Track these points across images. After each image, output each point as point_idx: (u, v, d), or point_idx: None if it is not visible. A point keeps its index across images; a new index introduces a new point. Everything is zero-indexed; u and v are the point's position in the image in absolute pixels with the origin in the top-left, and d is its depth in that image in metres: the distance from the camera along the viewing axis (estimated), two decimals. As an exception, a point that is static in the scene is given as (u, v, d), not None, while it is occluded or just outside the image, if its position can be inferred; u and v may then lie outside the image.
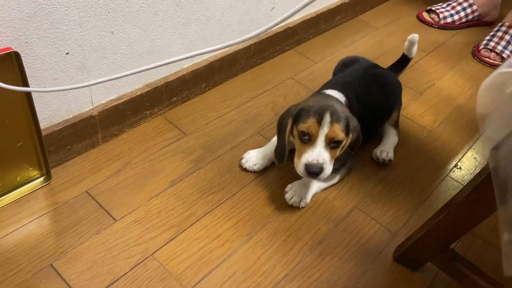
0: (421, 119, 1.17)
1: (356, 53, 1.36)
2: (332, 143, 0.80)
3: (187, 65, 1.06)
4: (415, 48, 1.10)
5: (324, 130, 0.79)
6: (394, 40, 1.46)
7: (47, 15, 0.71)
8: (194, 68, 1.07)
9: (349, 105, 0.91)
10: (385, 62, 1.20)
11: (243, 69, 1.22)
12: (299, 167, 0.81)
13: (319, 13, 1.38)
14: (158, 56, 0.96)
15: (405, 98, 1.22)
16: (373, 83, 1.01)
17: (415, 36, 1.07)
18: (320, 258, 0.82)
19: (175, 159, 0.95)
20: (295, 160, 0.83)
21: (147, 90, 0.98)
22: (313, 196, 0.92)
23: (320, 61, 1.32)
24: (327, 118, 0.79)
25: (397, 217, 0.92)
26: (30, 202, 0.82)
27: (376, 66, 1.09)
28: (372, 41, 1.45)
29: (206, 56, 1.10)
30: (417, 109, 1.20)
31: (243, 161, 0.95)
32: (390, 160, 1.02)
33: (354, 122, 0.84)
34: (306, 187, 0.90)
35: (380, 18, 1.57)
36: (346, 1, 1.46)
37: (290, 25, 1.29)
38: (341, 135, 0.80)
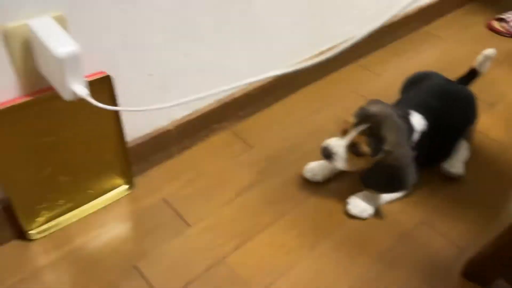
0: (492, 132, 1.13)
1: (421, 65, 1.35)
2: (353, 148, 0.85)
3: (253, 81, 1.12)
4: (488, 64, 1.07)
5: (353, 133, 0.85)
6: (461, 50, 1.42)
7: (135, 42, 0.80)
8: (260, 84, 1.13)
9: (426, 131, 0.90)
10: (452, 74, 1.17)
11: (306, 83, 1.26)
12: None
13: (385, 24, 1.38)
14: (228, 74, 1.03)
15: (473, 110, 1.19)
16: (450, 100, 0.99)
17: (491, 51, 1.03)
18: (384, 272, 0.82)
19: (242, 171, 1.01)
20: None
21: (216, 106, 1.05)
22: (376, 208, 0.93)
23: (383, 74, 1.33)
24: (361, 127, 0.83)
25: (466, 233, 0.90)
26: (116, 208, 0.91)
27: (449, 82, 1.06)
28: (438, 52, 1.43)
29: (272, 72, 1.15)
30: (487, 121, 1.16)
31: (304, 171, 0.99)
32: (460, 174, 0.99)
33: (394, 155, 0.83)
34: (369, 198, 0.92)
35: (447, 28, 1.54)
36: (410, 14, 1.45)
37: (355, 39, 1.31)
38: (364, 148, 0.83)
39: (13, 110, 0.70)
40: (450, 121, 0.96)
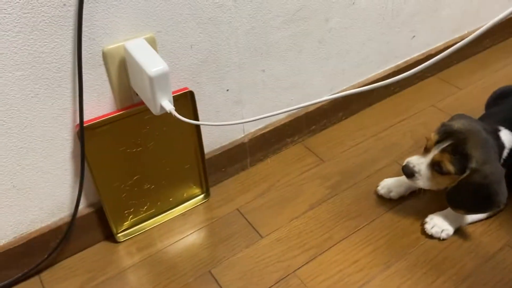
0: None
1: (509, 78, 1.26)
2: (436, 166, 0.81)
3: (326, 96, 1.13)
4: None
5: (435, 151, 0.81)
6: (556, 61, 1.31)
7: (214, 59, 0.85)
8: (332, 99, 1.13)
9: None
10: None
11: (381, 97, 1.24)
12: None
13: (463, 37, 1.32)
14: (301, 89, 1.05)
15: None
16: None
17: None
18: (465, 296, 0.78)
19: (313, 184, 1.01)
20: None
21: (289, 120, 1.07)
22: (456, 229, 0.88)
23: (465, 87, 1.26)
24: (444, 144, 0.80)
25: (561, 260, 0.82)
26: (193, 215, 0.96)
27: None
28: (527, 64, 1.33)
29: (343, 87, 1.15)
30: None
31: (379, 188, 0.97)
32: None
33: (483, 173, 0.78)
34: (449, 218, 0.87)
35: (538, 37, 1.43)
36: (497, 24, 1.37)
37: (432, 52, 1.27)
38: (448, 166, 0.80)
39: (108, 122, 0.77)
40: None
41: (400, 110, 1.20)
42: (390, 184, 0.96)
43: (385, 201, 0.96)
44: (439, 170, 0.82)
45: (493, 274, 0.80)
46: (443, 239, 0.87)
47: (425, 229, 0.87)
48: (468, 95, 1.23)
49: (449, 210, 0.89)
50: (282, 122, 1.06)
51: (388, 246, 0.87)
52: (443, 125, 0.85)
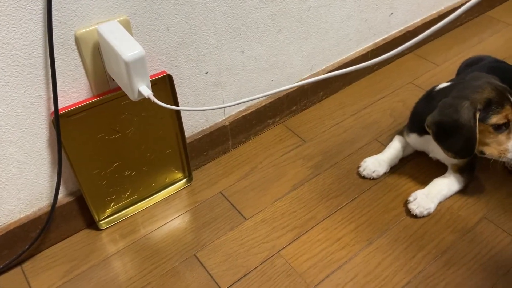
0: None
1: (484, 52, 1.28)
2: None
3: (306, 76, 1.12)
4: None
5: None
6: (529, 35, 1.33)
7: (192, 41, 0.83)
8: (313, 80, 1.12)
9: None
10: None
11: (360, 76, 1.24)
12: (509, 154, 0.82)
13: (441, 13, 1.33)
14: (281, 69, 1.04)
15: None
16: (503, 78, 0.95)
17: None
18: (444, 268, 0.80)
19: (296, 165, 1.02)
20: (491, 150, 0.83)
21: (270, 101, 1.06)
22: (437, 205, 0.90)
23: (442, 64, 1.27)
24: None
25: (533, 231, 0.85)
26: (176, 200, 0.96)
27: (504, 63, 1.03)
28: (503, 39, 1.35)
29: (323, 66, 1.15)
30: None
31: (360, 169, 0.98)
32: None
33: None
34: (430, 196, 0.89)
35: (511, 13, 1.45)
36: (472, -2, 1.38)
37: (410, 29, 1.27)
38: None
39: (84, 109, 0.75)
40: None
41: (379, 88, 1.21)
42: (371, 165, 0.97)
43: (366, 179, 0.97)
44: None
45: (471, 247, 0.83)
46: (425, 216, 0.89)
47: (410, 209, 0.89)
48: (445, 71, 1.24)
49: (429, 187, 0.91)
50: (263, 104, 1.06)
51: (369, 223, 0.89)
52: (498, 99, 0.81)
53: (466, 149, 0.82)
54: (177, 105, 0.84)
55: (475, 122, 0.80)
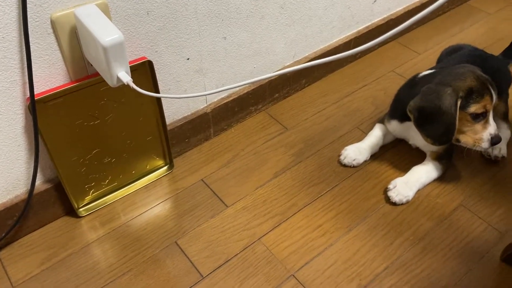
0: (539, 113, 1.08)
1: (466, 41, 1.29)
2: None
3: (288, 63, 1.12)
4: None
5: (493, 103, 0.84)
6: (509, 26, 1.35)
7: (173, 26, 0.82)
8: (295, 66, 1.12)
9: None
10: (499, 50, 1.12)
11: (342, 63, 1.25)
12: (483, 144, 0.85)
13: (424, 1, 1.33)
14: (263, 56, 1.03)
15: (520, 90, 1.14)
16: (482, 66, 0.96)
17: None
18: (421, 254, 0.82)
19: (277, 153, 1.02)
20: (466, 139, 0.86)
21: (252, 88, 1.06)
22: (415, 193, 0.92)
23: (424, 52, 1.29)
24: (494, 92, 0.83)
25: (507, 217, 0.88)
26: (156, 187, 0.95)
27: (482, 51, 1.04)
28: (483, 28, 1.36)
29: (306, 53, 1.14)
30: (534, 102, 1.11)
31: (341, 157, 0.99)
32: (503, 156, 0.97)
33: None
34: (410, 183, 0.91)
35: (493, 2, 1.46)
36: (454, -13, 1.39)
37: (393, 17, 1.27)
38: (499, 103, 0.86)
39: (62, 95, 0.73)
40: None
41: (361, 76, 1.22)
42: (351, 153, 0.98)
43: (347, 167, 0.98)
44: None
45: (448, 234, 0.86)
46: (403, 204, 0.91)
47: (390, 197, 0.90)
48: (426, 60, 1.25)
49: (409, 175, 0.92)
50: (245, 91, 1.05)
51: (350, 210, 0.90)
52: (479, 88, 0.82)
53: (445, 135, 0.84)
54: (157, 91, 0.83)
55: (456, 109, 0.81)
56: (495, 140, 0.84)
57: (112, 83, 0.69)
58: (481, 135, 0.84)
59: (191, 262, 0.82)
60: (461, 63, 0.96)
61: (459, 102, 0.82)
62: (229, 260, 0.82)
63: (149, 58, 0.80)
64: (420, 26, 1.38)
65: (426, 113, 0.84)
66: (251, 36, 0.97)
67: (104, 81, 0.72)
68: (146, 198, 0.93)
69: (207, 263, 0.82)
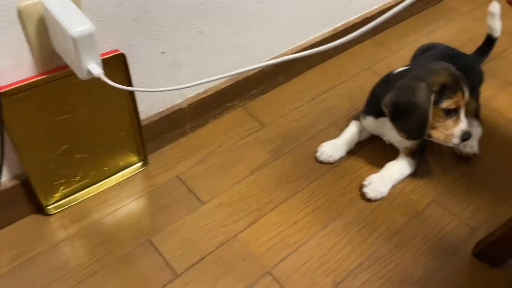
0: (509, 111, 1.11)
1: (440, 40, 1.31)
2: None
3: (266, 59, 1.11)
4: (498, 24, 1.06)
5: (466, 99, 0.84)
6: (482, 25, 1.37)
7: (147, 19, 0.80)
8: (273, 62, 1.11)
9: None
10: (472, 49, 1.15)
11: (319, 61, 1.25)
12: (454, 140, 0.85)
13: (399, 0, 1.35)
14: (241, 52, 1.02)
15: (491, 89, 1.16)
16: (455, 65, 0.98)
17: (495, 6, 1.03)
18: (395, 250, 0.83)
19: (254, 149, 1.01)
20: (438, 134, 0.86)
21: (229, 84, 1.05)
22: (390, 189, 0.93)
23: (399, 51, 1.30)
24: (466, 89, 0.84)
25: (478, 213, 0.90)
26: (130, 184, 0.93)
27: (455, 50, 1.07)
28: (457, 28, 1.39)
29: (284, 50, 1.14)
30: (504, 100, 1.14)
31: (318, 154, 0.99)
32: (474, 153, 0.99)
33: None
34: (384, 180, 0.92)
35: (466, 2, 1.49)
36: (428, -13, 1.41)
37: (369, 15, 1.28)
38: (470, 101, 0.86)
39: (29, 88, 0.70)
40: None
41: (337, 74, 1.22)
42: (328, 150, 0.98)
43: (323, 163, 0.98)
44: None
45: (421, 229, 0.87)
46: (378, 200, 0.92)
47: (365, 193, 0.91)
48: (401, 58, 1.27)
49: (383, 171, 0.93)
50: (222, 86, 1.04)
51: (326, 206, 0.90)
52: (452, 84, 0.83)
53: (418, 130, 0.85)
54: (130, 85, 0.80)
55: (430, 104, 0.83)
56: (465, 136, 0.85)
57: (82, 75, 0.66)
58: (452, 131, 0.85)
59: (165, 260, 0.80)
60: (435, 61, 0.97)
61: (432, 97, 0.83)
62: (204, 257, 0.81)
63: (122, 51, 0.77)
64: (395, 25, 1.40)
65: (400, 108, 0.85)
66: (228, 31, 0.96)
67: (74, 74, 0.70)
68: (119, 195, 0.91)
69: (181, 261, 0.80)
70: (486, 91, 1.12)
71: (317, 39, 1.18)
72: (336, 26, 1.23)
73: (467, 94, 0.84)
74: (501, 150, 1.02)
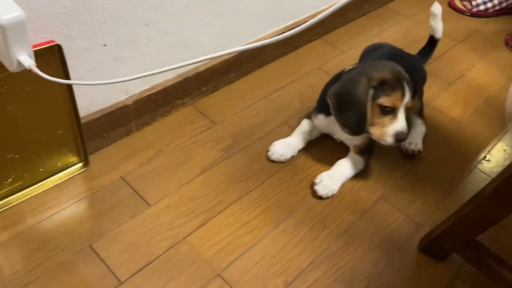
0: (450, 110, 1.16)
1: (385, 41, 1.35)
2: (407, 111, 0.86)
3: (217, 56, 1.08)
4: (440, 25, 1.10)
5: (405, 101, 0.84)
6: (424, 28, 1.42)
7: (87, 8, 0.74)
8: (224, 59, 1.09)
9: None
10: (416, 51, 1.19)
11: (271, 59, 1.24)
12: (387, 138, 0.85)
13: (348, 1, 1.37)
14: (190, 47, 0.99)
15: (433, 89, 1.21)
16: (400, 64, 1.00)
17: (437, 7, 1.07)
18: (345, 247, 0.84)
19: (205, 148, 0.98)
20: (374, 131, 0.86)
21: (178, 80, 1.01)
22: (340, 186, 0.93)
23: (348, 51, 1.32)
24: (407, 90, 0.84)
25: (423, 208, 0.92)
26: (70, 186, 0.87)
27: (401, 50, 1.09)
28: (401, 30, 1.44)
29: (235, 47, 1.11)
30: (446, 100, 1.19)
31: (269, 153, 0.97)
32: (419, 151, 1.02)
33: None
34: (335, 177, 0.92)
35: (410, 5, 1.55)
36: (376, -11, 1.45)
37: (318, 14, 1.29)
38: (415, 102, 0.87)
39: (-51, 81, 0.63)
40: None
41: (289, 72, 1.22)
42: (280, 149, 0.97)
43: (275, 162, 0.97)
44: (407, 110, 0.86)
45: (370, 226, 0.88)
46: (329, 197, 0.92)
47: (316, 191, 0.91)
48: (350, 58, 1.29)
49: (334, 169, 0.94)
50: (171, 83, 1.00)
51: (277, 206, 0.89)
52: (392, 82, 0.84)
53: (358, 125, 0.85)
54: (68, 79, 0.75)
55: (368, 99, 0.84)
56: (399, 137, 0.84)
57: (11, 67, 0.60)
58: (387, 129, 0.85)
59: (108, 266, 0.75)
60: (382, 60, 0.99)
61: (370, 92, 0.84)
62: (150, 262, 0.77)
63: (58, 42, 0.72)
64: (344, 25, 1.42)
65: (341, 100, 0.86)
66: (176, 25, 0.92)
67: (3, 66, 0.63)
68: (57, 199, 0.84)
69: (125, 267, 0.75)
70: (429, 91, 1.17)
71: (268, 37, 1.17)
72: (286, 24, 1.22)
73: (407, 96, 0.84)
74: (444, 148, 1.06)
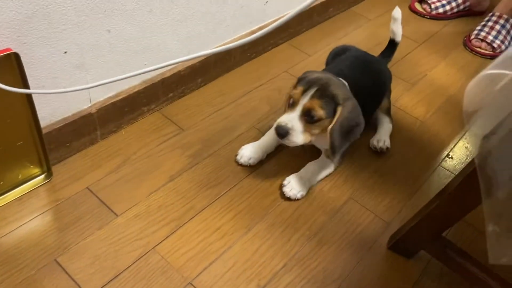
0: (414, 110, 1.19)
1: (350, 44, 1.38)
2: (307, 116, 0.85)
3: (182, 61, 1.07)
4: (400, 28, 1.14)
5: (304, 100, 0.84)
6: (386, 31, 1.46)
7: (45, 15, 0.72)
8: (190, 64, 1.08)
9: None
10: (378, 53, 1.21)
11: (238, 63, 1.24)
12: (275, 124, 0.87)
13: (312, 5, 1.39)
14: (155, 53, 0.97)
15: (397, 89, 1.24)
16: (364, 70, 1.03)
17: (398, 12, 1.11)
18: (317, 248, 0.84)
19: (173, 155, 0.97)
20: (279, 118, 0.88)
21: (144, 86, 0.99)
22: (309, 188, 0.94)
23: (314, 54, 1.34)
24: (311, 91, 0.84)
25: (391, 207, 0.94)
26: (32, 199, 0.83)
27: (366, 53, 1.12)
28: (365, 33, 1.47)
29: (201, 52, 1.11)
30: (409, 100, 1.23)
31: (238, 157, 0.97)
32: (387, 148, 1.04)
33: (348, 107, 0.85)
34: (303, 179, 0.93)
35: (373, 9, 1.59)
36: (339, -7, 1.47)
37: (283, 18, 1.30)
38: (319, 111, 0.84)
39: None
40: (363, 89, 0.97)
41: (256, 76, 1.22)
42: (248, 152, 0.97)
43: (245, 166, 0.97)
44: (310, 119, 0.85)
45: (340, 226, 0.89)
46: (299, 199, 0.92)
47: (284, 192, 0.91)
48: (316, 61, 1.30)
49: (303, 171, 0.94)
50: (136, 89, 0.98)
51: (248, 210, 0.89)
52: (302, 78, 0.88)
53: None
54: (27, 88, 0.72)
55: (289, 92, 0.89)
56: (277, 129, 0.85)
57: (-37, 77, 0.57)
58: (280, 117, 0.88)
59: (74, 280, 0.73)
60: (346, 66, 1.01)
61: (292, 87, 0.89)
62: (119, 274, 0.75)
63: (15, 50, 0.69)
64: (310, 29, 1.44)
65: None
66: (139, 31, 0.90)
67: (-45, 75, 0.60)
68: (19, 212, 0.81)
69: (93, 280, 0.73)
70: (393, 91, 1.19)
71: (234, 41, 1.17)
72: (252, 29, 1.23)
73: (307, 96, 0.84)
74: (408, 146, 1.09)
